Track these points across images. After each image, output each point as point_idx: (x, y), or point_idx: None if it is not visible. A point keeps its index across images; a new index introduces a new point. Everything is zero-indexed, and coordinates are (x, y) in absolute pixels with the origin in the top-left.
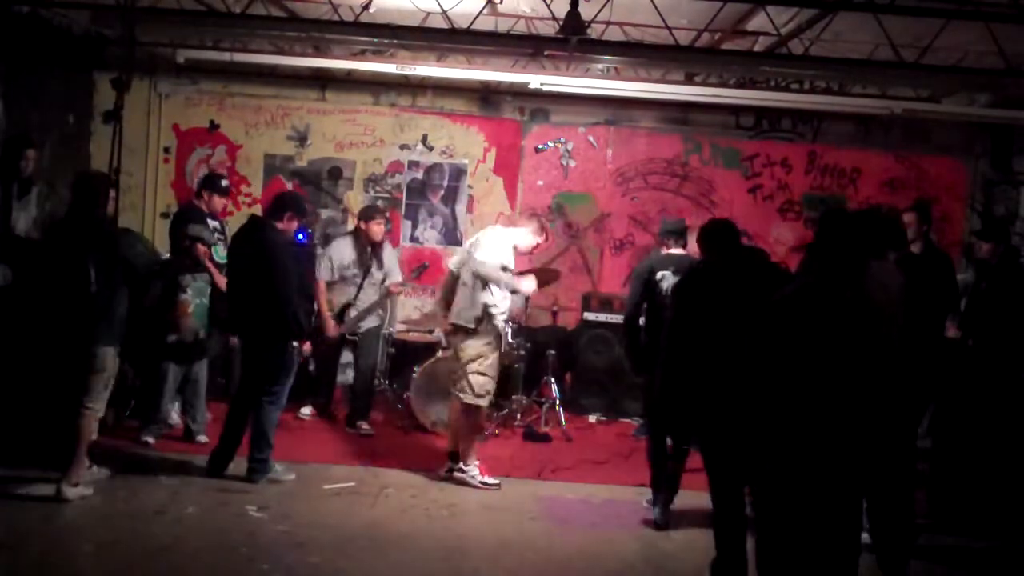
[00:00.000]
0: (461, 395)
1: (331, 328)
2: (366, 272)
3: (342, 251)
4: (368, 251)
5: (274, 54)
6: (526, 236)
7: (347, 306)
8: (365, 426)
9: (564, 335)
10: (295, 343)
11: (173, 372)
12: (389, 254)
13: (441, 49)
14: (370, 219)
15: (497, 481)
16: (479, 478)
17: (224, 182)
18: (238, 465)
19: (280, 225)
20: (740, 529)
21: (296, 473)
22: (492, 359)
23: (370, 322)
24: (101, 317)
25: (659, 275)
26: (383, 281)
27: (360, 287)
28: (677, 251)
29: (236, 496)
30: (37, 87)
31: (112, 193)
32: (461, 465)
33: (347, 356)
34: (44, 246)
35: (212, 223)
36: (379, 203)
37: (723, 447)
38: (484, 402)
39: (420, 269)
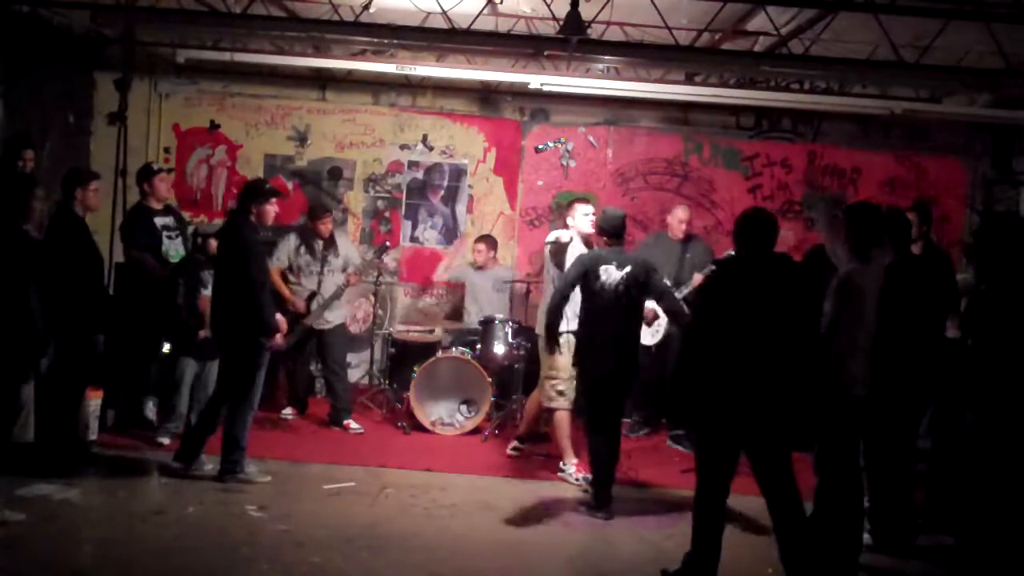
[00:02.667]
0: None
1: (299, 305)
2: (323, 262)
3: (290, 242)
4: (319, 242)
5: (274, 54)
6: (584, 221)
7: (311, 296)
8: (353, 424)
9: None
10: (264, 340)
11: (191, 369)
12: (345, 243)
13: (441, 49)
14: (316, 219)
15: (590, 476)
16: (574, 476)
17: (155, 165)
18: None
19: (251, 218)
20: (721, 525)
21: (296, 473)
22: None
23: (336, 317)
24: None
25: (602, 268)
26: (344, 269)
27: (321, 275)
28: (615, 246)
29: (236, 496)
30: (37, 87)
31: (94, 186)
32: (561, 464)
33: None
34: None
35: (164, 220)
36: (379, 203)
37: (759, 437)
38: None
39: (381, 249)
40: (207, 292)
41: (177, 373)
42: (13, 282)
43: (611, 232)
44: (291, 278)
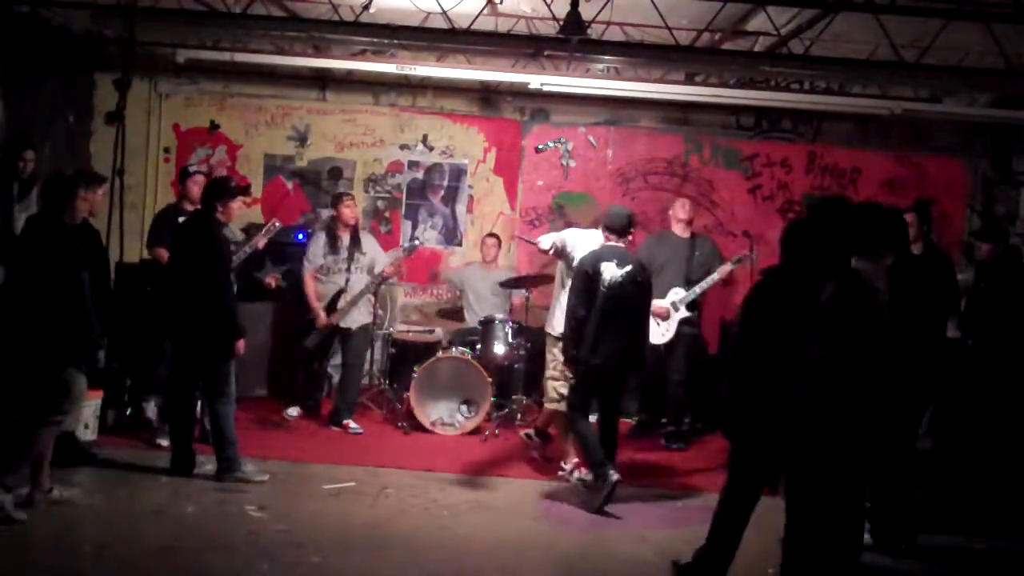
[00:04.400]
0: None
1: (322, 319)
2: (351, 259)
3: (319, 241)
4: (344, 238)
5: (274, 54)
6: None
7: (339, 294)
8: (353, 425)
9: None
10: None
11: None
12: (369, 240)
13: (441, 49)
14: (338, 202)
15: (588, 476)
16: (576, 475)
17: (192, 167)
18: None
19: (219, 216)
20: (742, 530)
21: (296, 473)
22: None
23: (361, 318)
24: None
25: (602, 266)
26: (371, 269)
27: (348, 274)
28: (618, 244)
29: (236, 496)
30: (37, 87)
31: (101, 190)
32: (562, 463)
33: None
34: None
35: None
36: (379, 203)
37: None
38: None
39: (411, 248)
40: None
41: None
42: (64, 279)
43: (617, 230)
44: (321, 277)
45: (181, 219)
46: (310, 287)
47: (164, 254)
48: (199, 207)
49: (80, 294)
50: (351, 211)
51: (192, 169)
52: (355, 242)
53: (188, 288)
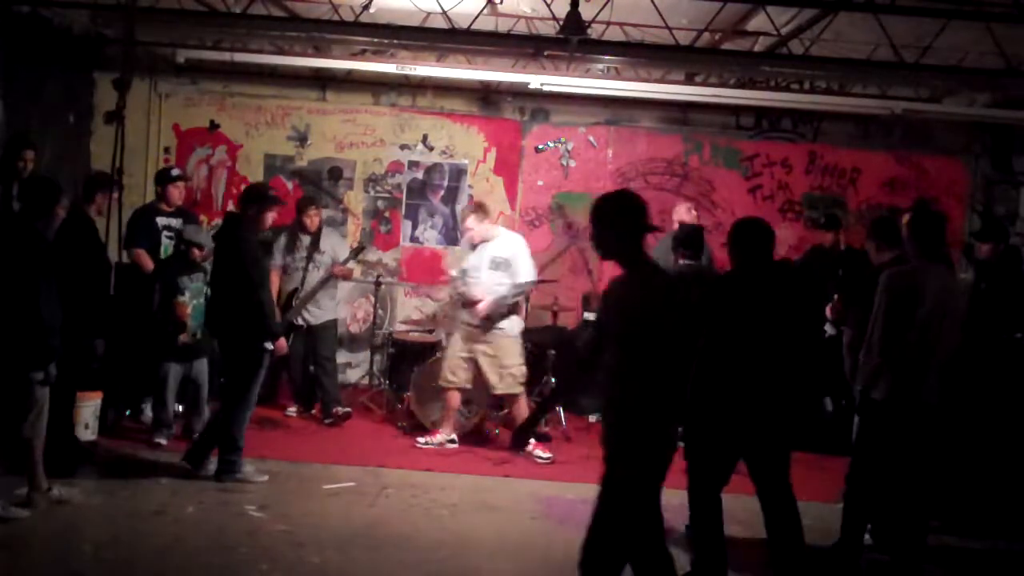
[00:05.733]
0: None
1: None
2: (309, 259)
3: (281, 242)
4: (304, 240)
5: (274, 54)
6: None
7: (293, 293)
8: (341, 410)
9: (564, 335)
10: (267, 344)
11: (174, 372)
12: (332, 239)
13: (441, 49)
14: (302, 212)
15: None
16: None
17: (175, 171)
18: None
19: (250, 222)
20: (721, 528)
21: (296, 473)
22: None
23: (325, 313)
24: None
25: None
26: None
27: (305, 272)
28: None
29: (236, 496)
30: (37, 87)
31: (110, 193)
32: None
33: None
34: None
35: (169, 220)
36: (379, 203)
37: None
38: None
39: (357, 250)
40: (183, 299)
41: (160, 376)
42: (25, 284)
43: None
44: (283, 275)
45: (158, 219)
46: (273, 285)
47: (142, 255)
48: (181, 208)
49: (35, 299)
50: (312, 221)
51: (175, 174)
52: (315, 243)
53: (224, 294)
